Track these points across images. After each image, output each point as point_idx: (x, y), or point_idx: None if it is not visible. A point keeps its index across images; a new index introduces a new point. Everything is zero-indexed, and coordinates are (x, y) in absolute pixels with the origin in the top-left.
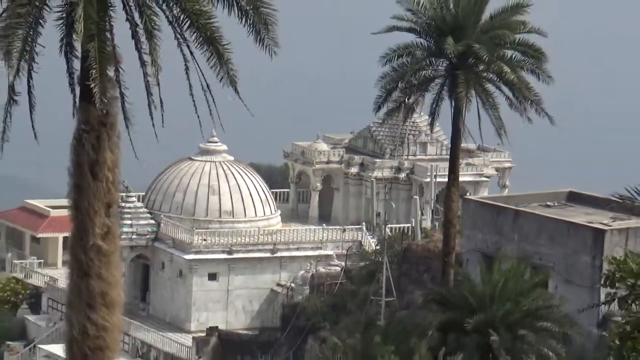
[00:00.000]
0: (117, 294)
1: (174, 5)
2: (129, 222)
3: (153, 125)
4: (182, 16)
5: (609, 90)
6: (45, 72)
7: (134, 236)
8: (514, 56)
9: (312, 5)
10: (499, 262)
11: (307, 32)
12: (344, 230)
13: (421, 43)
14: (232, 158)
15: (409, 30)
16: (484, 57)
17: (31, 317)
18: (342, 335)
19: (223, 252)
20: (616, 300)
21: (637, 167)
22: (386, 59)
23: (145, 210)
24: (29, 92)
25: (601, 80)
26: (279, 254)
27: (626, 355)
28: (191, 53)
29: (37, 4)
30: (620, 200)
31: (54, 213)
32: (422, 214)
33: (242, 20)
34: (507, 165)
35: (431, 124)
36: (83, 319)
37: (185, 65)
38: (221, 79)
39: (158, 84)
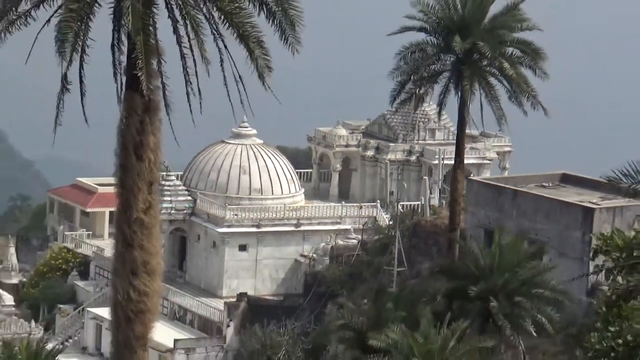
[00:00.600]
0: (157, 262)
1: (211, 5)
2: (168, 198)
3: (191, 111)
4: (218, 14)
5: (599, 83)
6: (90, 63)
7: (172, 211)
8: (514, 53)
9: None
10: (499, 237)
11: (327, 31)
12: (361, 207)
13: (431, 40)
14: (261, 141)
15: (420, 29)
16: (487, 54)
17: (80, 283)
18: (358, 301)
19: (252, 225)
20: (603, 271)
21: (623, 153)
22: (401, 55)
23: (183, 187)
24: (80, 81)
25: (592, 74)
26: (302, 228)
27: (612, 320)
28: (225, 47)
29: (88, 1)
30: (607, 182)
31: (102, 190)
32: (430, 193)
33: (269, 20)
34: (506, 149)
35: (439, 113)
36: (127, 285)
37: (221, 58)
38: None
39: (196, 75)
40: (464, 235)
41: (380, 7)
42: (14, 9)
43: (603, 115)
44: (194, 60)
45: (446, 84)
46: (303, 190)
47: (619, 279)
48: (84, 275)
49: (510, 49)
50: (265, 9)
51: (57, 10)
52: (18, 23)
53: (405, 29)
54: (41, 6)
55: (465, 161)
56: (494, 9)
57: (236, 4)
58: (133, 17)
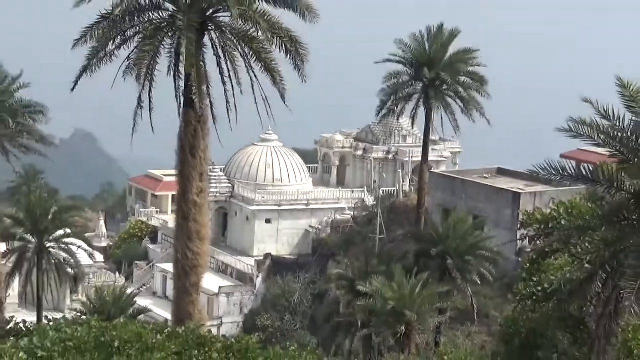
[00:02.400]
0: (206, 231)
1: (245, 45)
2: (214, 185)
3: (229, 122)
4: (249, 52)
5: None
6: (158, 87)
7: (217, 194)
8: (465, 81)
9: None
10: (452, 213)
11: (327, 59)
12: (353, 191)
13: (406, 70)
14: (280, 144)
15: (399, 62)
16: (447, 81)
17: (151, 246)
18: (351, 260)
19: (274, 205)
20: (527, 238)
21: (545, 151)
22: (384, 80)
23: (225, 177)
24: (149, 101)
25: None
26: (310, 207)
27: (533, 273)
28: (255, 76)
29: (156, 43)
30: (530, 174)
31: (166, 179)
32: (403, 182)
33: (286, 56)
34: (457, 150)
35: (412, 124)
36: (184, 247)
37: (252, 83)
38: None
39: (234, 96)
40: (428, 212)
41: (365, 40)
42: (104, 49)
43: (530, 122)
44: (232, 84)
45: (416, 102)
46: (311, 179)
47: (539, 243)
48: (154, 240)
49: (463, 78)
50: (284, 48)
51: (133, 51)
52: (105, 59)
53: (387, 60)
54: (122, 47)
55: (429, 159)
56: (452, 50)
57: (262, 45)
58: (188, 56)
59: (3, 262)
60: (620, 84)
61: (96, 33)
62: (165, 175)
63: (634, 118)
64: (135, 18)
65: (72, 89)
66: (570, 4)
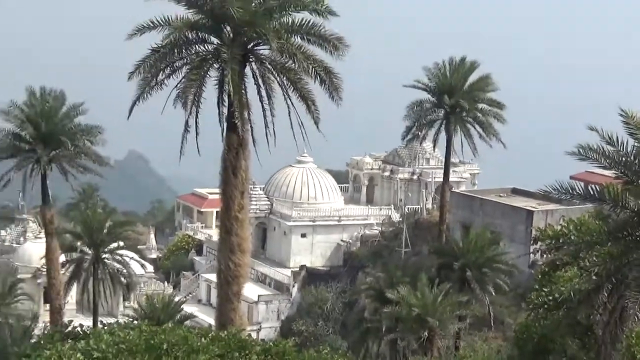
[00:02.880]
0: (247, 244)
1: (282, 76)
2: (254, 202)
3: (268, 144)
4: (287, 82)
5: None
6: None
7: (257, 211)
8: (483, 107)
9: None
10: (471, 229)
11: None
12: (381, 209)
13: (429, 98)
14: (315, 166)
15: (424, 89)
16: (466, 108)
17: (197, 258)
18: (378, 271)
19: (309, 221)
20: (539, 252)
21: (557, 172)
22: (409, 108)
23: (264, 195)
24: (196, 125)
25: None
26: (342, 223)
27: (545, 284)
28: (292, 103)
29: (202, 73)
30: (542, 193)
31: (211, 197)
32: (426, 200)
33: (321, 85)
34: (476, 171)
35: (433, 147)
36: (227, 259)
37: (289, 110)
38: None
39: (272, 121)
40: (449, 227)
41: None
42: (154, 78)
43: (544, 144)
44: (271, 111)
45: (438, 128)
46: (342, 198)
47: (550, 257)
48: (199, 252)
49: (481, 105)
50: (318, 79)
51: (181, 80)
52: (156, 88)
53: (413, 86)
54: (171, 77)
55: (450, 179)
56: (471, 79)
57: (298, 76)
58: (231, 85)
59: (62, 272)
60: (623, 114)
61: (148, 64)
62: (210, 193)
63: (636, 144)
64: (183, 50)
65: (128, 117)
66: (574, 28)
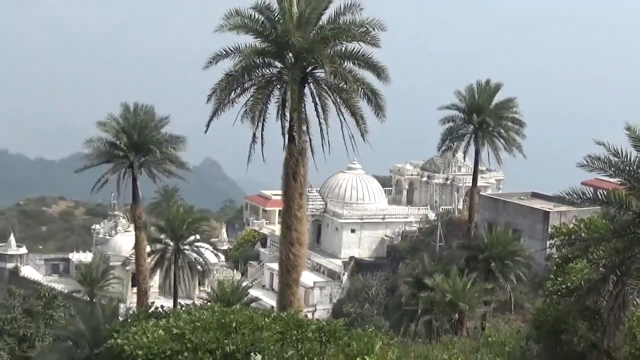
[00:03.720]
0: (305, 238)
1: (336, 95)
2: (311, 202)
3: (323, 153)
4: (339, 100)
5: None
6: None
7: (314, 210)
8: (507, 124)
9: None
10: (495, 227)
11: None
12: (419, 209)
13: (460, 115)
14: (363, 172)
15: (456, 108)
16: (492, 124)
17: (261, 249)
18: (416, 262)
19: (358, 218)
20: (554, 247)
21: (570, 178)
22: (443, 121)
23: (320, 196)
24: (262, 137)
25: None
26: (386, 220)
27: (559, 274)
28: (344, 118)
29: (267, 93)
30: (558, 197)
31: (274, 198)
32: (457, 202)
33: (368, 104)
34: (500, 178)
35: (464, 157)
36: (287, 251)
37: (342, 124)
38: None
39: (327, 134)
40: (476, 225)
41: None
42: (227, 97)
43: (561, 153)
44: (326, 125)
45: (468, 141)
46: (386, 199)
47: (563, 251)
48: (264, 245)
49: (505, 122)
50: (366, 99)
51: (249, 99)
52: (228, 105)
53: (447, 107)
54: (241, 96)
55: (478, 184)
56: (497, 99)
57: (349, 95)
58: (292, 103)
59: (148, 260)
60: (627, 128)
61: (222, 86)
62: (274, 195)
63: (639, 155)
64: (251, 73)
65: (205, 131)
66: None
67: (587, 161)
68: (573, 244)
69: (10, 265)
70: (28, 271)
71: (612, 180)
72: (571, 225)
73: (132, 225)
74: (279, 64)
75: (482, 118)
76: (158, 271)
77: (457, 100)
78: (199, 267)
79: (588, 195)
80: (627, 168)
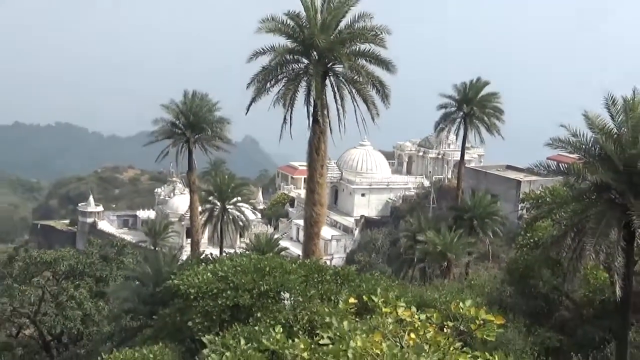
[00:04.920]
0: (324, 200)
1: (351, 86)
2: (330, 172)
3: (340, 131)
4: (354, 90)
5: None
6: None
7: (332, 177)
8: (488, 112)
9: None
10: (477, 193)
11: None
12: (416, 177)
13: (454, 104)
14: (372, 147)
15: (451, 98)
16: (477, 113)
17: (290, 209)
18: (414, 220)
19: (367, 185)
20: (525, 209)
21: (538, 155)
22: (439, 108)
23: (337, 167)
24: (290, 119)
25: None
26: (389, 187)
27: (528, 231)
28: (357, 105)
29: (296, 84)
30: (527, 169)
31: (300, 168)
32: (447, 172)
33: (377, 93)
34: (482, 153)
35: (456, 137)
36: (311, 210)
37: (355, 110)
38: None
39: (344, 116)
40: (462, 191)
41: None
42: (264, 87)
43: (532, 133)
44: (343, 110)
45: (458, 124)
46: (390, 169)
47: (532, 212)
48: (292, 205)
49: (488, 110)
50: (375, 89)
51: (281, 88)
52: (264, 93)
53: (444, 95)
54: (274, 86)
55: (464, 158)
56: (483, 92)
57: (362, 86)
58: (316, 92)
59: (200, 217)
60: (584, 114)
61: (259, 77)
62: (300, 165)
63: (593, 135)
64: (283, 68)
65: (246, 113)
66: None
67: (551, 140)
68: (540, 206)
69: (89, 220)
70: (104, 225)
71: (571, 155)
72: (538, 192)
73: (187, 189)
74: (305, 61)
75: (471, 107)
76: (207, 226)
77: (454, 92)
78: (240, 222)
79: (552, 168)
80: (583, 146)
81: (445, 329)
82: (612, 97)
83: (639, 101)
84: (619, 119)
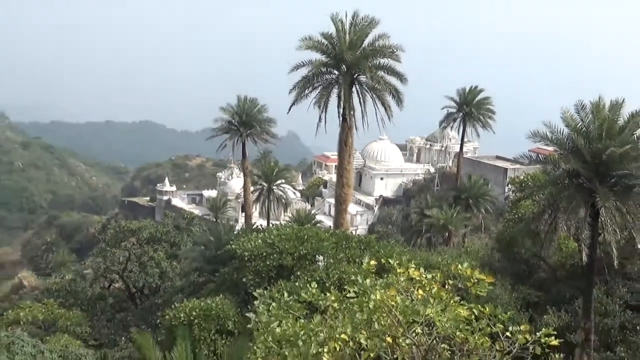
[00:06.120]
0: (351, 182)
1: (372, 92)
2: (356, 160)
3: (363, 128)
4: (374, 95)
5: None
6: (328, 112)
7: (357, 165)
8: (484, 112)
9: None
10: (472, 178)
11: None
12: (424, 165)
13: (455, 106)
14: (389, 141)
15: (453, 101)
16: (474, 113)
17: (324, 189)
18: (422, 199)
19: (385, 171)
20: (511, 191)
21: (522, 147)
22: (444, 108)
23: (361, 156)
24: (325, 119)
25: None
26: (403, 172)
27: (514, 208)
28: (377, 108)
29: (329, 90)
30: (514, 159)
31: (332, 157)
32: (449, 161)
33: (392, 98)
34: (477, 146)
35: (457, 133)
36: (340, 190)
37: (375, 111)
38: (388, 117)
39: (366, 115)
40: (461, 176)
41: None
42: (302, 92)
43: (516, 129)
44: (365, 111)
45: (459, 122)
46: (403, 159)
47: (516, 194)
48: (325, 186)
49: (483, 111)
50: (392, 94)
51: (317, 94)
52: (303, 97)
53: (448, 97)
54: (312, 92)
55: (463, 150)
56: (479, 97)
57: (381, 93)
58: (344, 97)
59: (251, 196)
60: (561, 113)
61: (299, 85)
62: (332, 155)
63: (567, 131)
64: (318, 77)
65: (288, 112)
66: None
67: (532, 134)
68: (523, 189)
69: (165, 198)
70: (176, 201)
71: (549, 148)
72: (522, 177)
73: (241, 174)
74: (336, 72)
75: (469, 109)
76: (257, 203)
77: (456, 96)
78: (283, 200)
79: (534, 158)
80: (559, 140)
81: (446, 285)
82: (582, 102)
83: (603, 105)
84: (587, 120)
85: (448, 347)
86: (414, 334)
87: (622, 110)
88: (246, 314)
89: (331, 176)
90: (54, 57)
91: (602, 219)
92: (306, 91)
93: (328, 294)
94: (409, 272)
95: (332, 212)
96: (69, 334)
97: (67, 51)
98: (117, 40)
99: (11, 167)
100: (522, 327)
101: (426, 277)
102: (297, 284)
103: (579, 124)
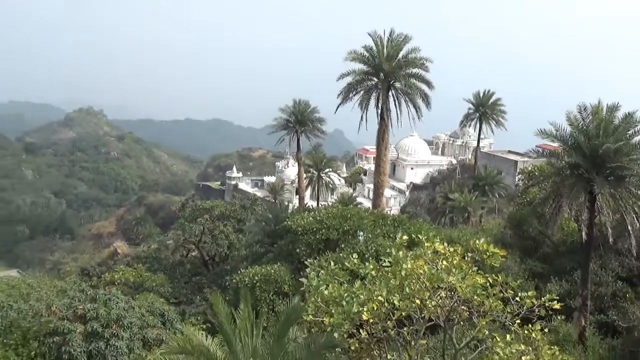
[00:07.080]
0: (387, 171)
1: (405, 96)
2: (391, 153)
3: (397, 126)
4: (407, 99)
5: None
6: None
7: (392, 157)
8: (497, 113)
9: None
10: (487, 168)
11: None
12: (447, 158)
13: (472, 108)
14: (418, 137)
15: (472, 103)
16: (489, 113)
17: (363, 177)
18: (445, 186)
19: (415, 162)
20: (521, 180)
21: (531, 142)
22: (465, 110)
23: (395, 150)
24: (366, 118)
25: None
26: (430, 163)
27: (524, 193)
28: (409, 109)
29: (370, 94)
30: (524, 153)
31: (371, 150)
32: (468, 155)
33: (423, 101)
34: (492, 142)
35: (474, 130)
36: (378, 177)
37: (408, 113)
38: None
39: (400, 115)
40: (478, 167)
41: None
42: (347, 96)
43: (526, 126)
44: (400, 111)
45: (476, 122)
46: (430, 152)
47: (525, 182)
48: (365, 174)
49: (496, 112)
50: (421, 96)
51: (359, 98)
52: (347, 100)
53: (467, 100)
54: (355, 95)
55: (480, 145)
56: (493, 98)
57: (413, 96)
58: (382, 100)
59: (304, 181)
60: (566, 113)
61: (345, 90)
62: (371, 148)
63: (570, 129)
64: (361, 84)
65: (335, 112)
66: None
67: (540, 132)
68: (531, 178)
69: (233, 182)
70: (242, 186)
71: (554, 144)
72: (530, 169)
73: (296, 163)
74: (375, 79)
75: (484, 110)
76: (309, 187)
77: (472, 98)
78: (330, 185)
79: (541, 153)
80: (563, 137)
81: (466, 257)
82: (583, 104)
83: (601, 108)
84: (587, 120)
85: (467, 309)
86: (438, 297)
87: (618, 112)
88: (299, 279)
89: (370, 166)
90: (149, 66)
91: (599, 203)
92: (350, 95)
93: (367, 263)
94: (434, 246)
95: (371, 196)
96: (154, 293)
97: (160, 63)
98: (198, 50)
99: (108, 157)
100: (529, 293)
101: (449, 250)
102: (341, 254)
103: (581, 124)
